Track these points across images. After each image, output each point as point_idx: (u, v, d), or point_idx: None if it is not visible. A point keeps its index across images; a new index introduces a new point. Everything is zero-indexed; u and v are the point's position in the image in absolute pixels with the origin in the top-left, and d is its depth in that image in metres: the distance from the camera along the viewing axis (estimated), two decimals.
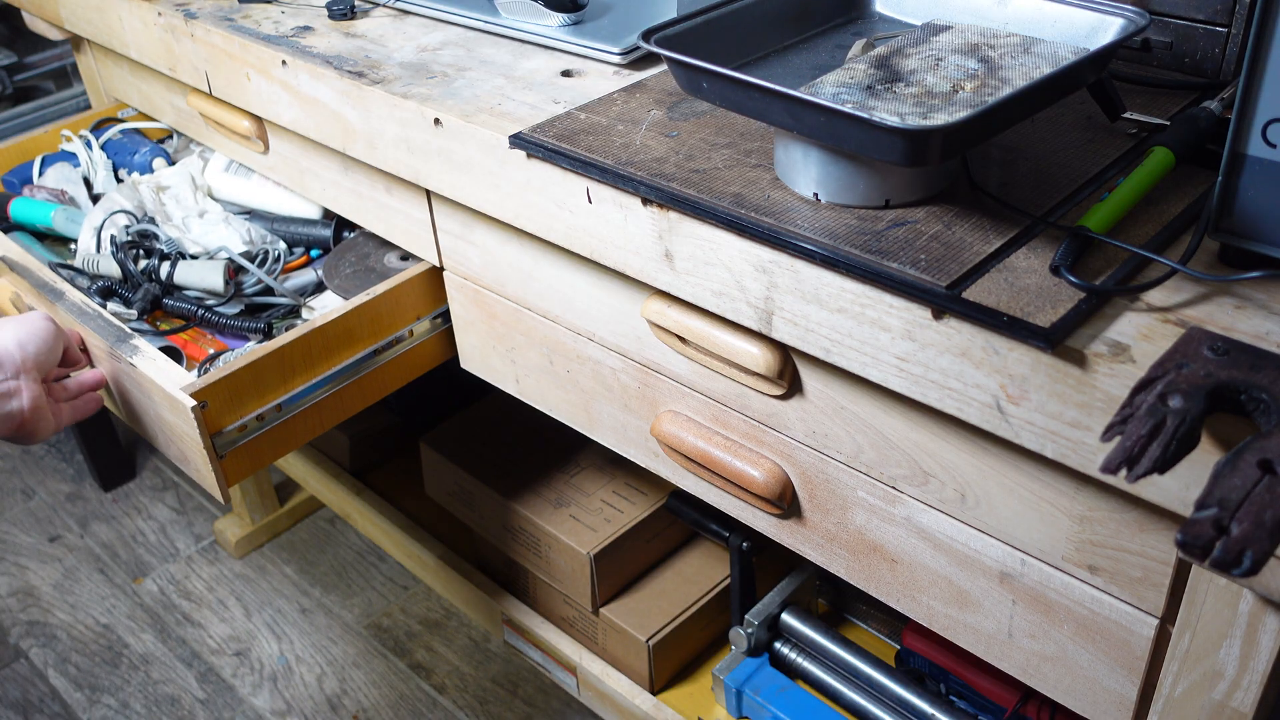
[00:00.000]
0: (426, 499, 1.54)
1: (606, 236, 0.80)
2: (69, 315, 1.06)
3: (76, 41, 1.44)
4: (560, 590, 1.31)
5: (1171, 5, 0.83)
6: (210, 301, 1.17)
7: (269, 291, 1.19)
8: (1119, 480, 0.54)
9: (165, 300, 1.16)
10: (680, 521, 1.30)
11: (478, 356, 1.07)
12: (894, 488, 0.75)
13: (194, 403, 0.92)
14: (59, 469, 2.04)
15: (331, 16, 1.08)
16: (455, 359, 1.12)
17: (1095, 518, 0.65)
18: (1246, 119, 0.59)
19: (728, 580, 1.29)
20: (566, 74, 0.94)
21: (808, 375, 0.76)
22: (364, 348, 1.05)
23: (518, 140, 0.82)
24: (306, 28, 1.07)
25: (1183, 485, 0.58)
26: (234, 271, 1.19)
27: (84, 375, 1.03)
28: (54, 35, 1.46)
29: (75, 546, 1.87)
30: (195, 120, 1.26)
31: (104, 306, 1.13)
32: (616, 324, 0.89)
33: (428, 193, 1.00)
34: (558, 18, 0.99)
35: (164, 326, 1.17)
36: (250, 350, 1.00)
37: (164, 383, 0.94)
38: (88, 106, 1.79)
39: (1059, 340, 0.59)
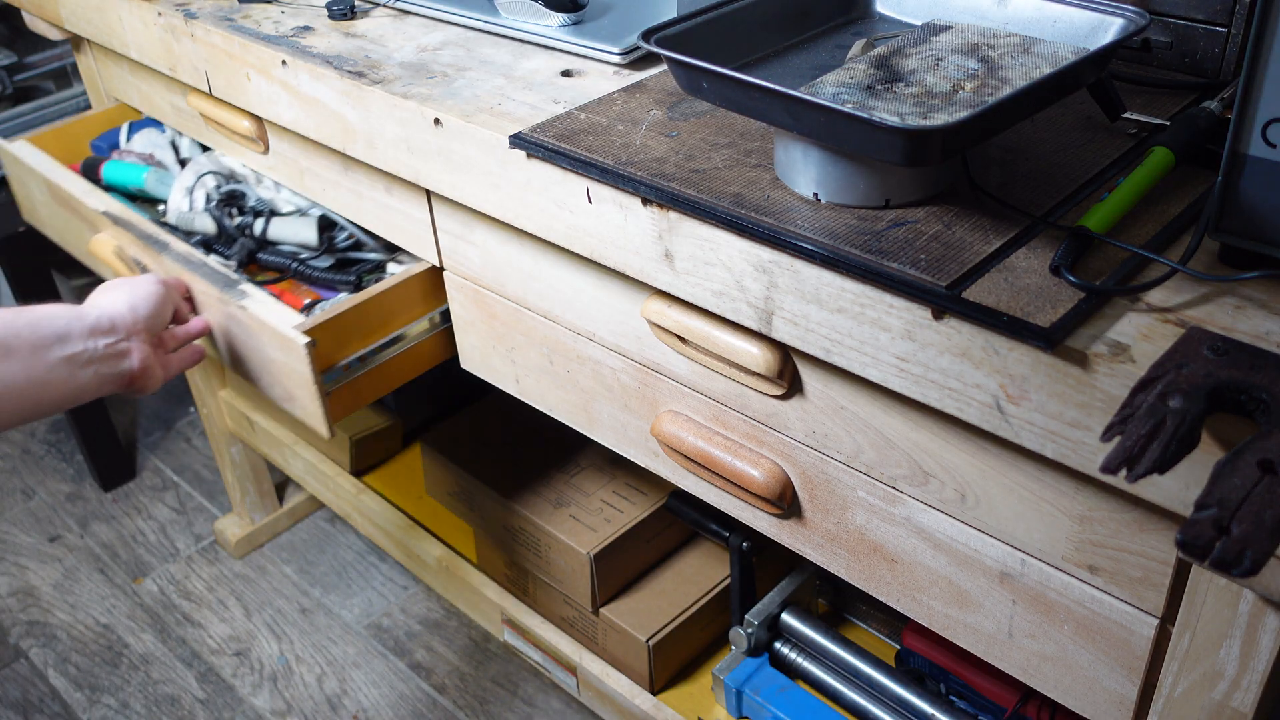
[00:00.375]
0: (426, 499, 1.54)
1: (606, 236, 0.80)
2: (176, 264, 1.11)
3: (76, 41, 1.44)
4: (560, 590, 1.31)
5: (1171, 5, 0.83)
6: (304, 255, 1.21)
7: (358, 246, 1.23)
8: (1119, 480, 0.54)
9: (260, 254, 1.22)
10: (680, 521, 1.30)
11: (478, 356, 1.07)
12: (894, 488, 0.75)
13: (306, 339, 0.98)
14: (59, 469, 2.04)
15: (331, 16, 1.08)
16: (456, 358, 1.12)
17: (1095, 518, 0.65)
18: (1246, 119, 0.59)
19: (728, 580, 1.29)
20: (566, 74, 0.94)
21: (808, 375, 0.76)
22: (445, 302, 1.10)
23: (518, 140, 0.82)
24: (306, 28, 1.07)
25: (1183, 485, 0.58)
26: (325, 228, 1.23)
27: (191, 324, 1.08)
28: (54, 35, 1.46)
29: (75, 546, 1.87)
30: (195, 120, 1.26)
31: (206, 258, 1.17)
32: (616, 324, 0.89)
33: (428, 193, 1.00)
34: (558, 18, 0.99)
35: (260, 279, 1.22)
36: (350, 298, 1.06)
37: (276, 323, 1.00)
38: (88, 106, 1.79)
39: (1059, 340, 0.59)
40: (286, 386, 1.04)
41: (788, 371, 0.77)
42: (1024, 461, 0.67)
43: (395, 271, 1.15)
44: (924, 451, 0.72)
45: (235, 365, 1.10)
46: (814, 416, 0.78)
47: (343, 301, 1.05)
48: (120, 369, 0.94)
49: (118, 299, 0.97)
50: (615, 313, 0.88)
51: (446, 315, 1.10)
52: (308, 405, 1.02)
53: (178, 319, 1.07)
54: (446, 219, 0.99)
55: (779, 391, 0.78)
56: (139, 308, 0.97)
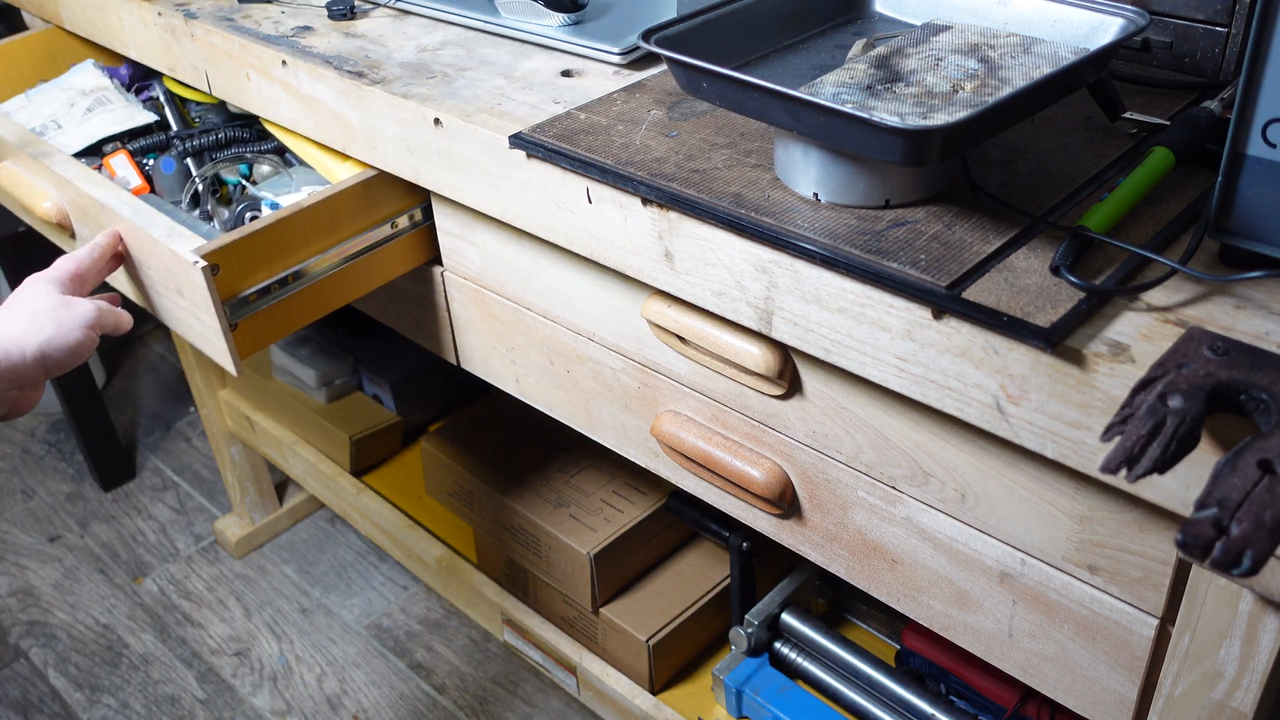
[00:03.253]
0: (426, 499, 1.54)
1: (606, 236, 0.80)
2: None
3: None
4: (560, 590, 1.31)
5: (1171, 5, 0.83)
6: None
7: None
8: (1119, 480, 0.54)
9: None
10: (680, 521, 1.30)
11: (478, 356, 1.07)
12: (894, 488, 0.75)
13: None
14: (59, 469, 2.04)
15: (331, 16, 1.08)
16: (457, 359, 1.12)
17: (1095, 518, 0.65)
18: (1246, 119, 0.59)
19: (728, 580, 1.29)
20: (566, 74, 0.94)
21: (808, 375, 0.76)
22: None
23: (518, 140, 0.82)
24: (306, 28, 1.07)
25: (1183, 485, 0.58)
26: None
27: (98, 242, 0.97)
28: None
29: (75, 546, 1.87)
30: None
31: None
32: (616, 324, 0.89)
33: (428, 193, 1.00)
34: (558, 18, 0.99)
35: None
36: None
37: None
38: None
39: (1059, 340, 0.59)
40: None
41: (788, 371, 0.77)
42: (1024, 461, 0.67)
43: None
44: (924, 451, 0.72)
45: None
46: (814, 416, 0.78)
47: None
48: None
49: (24, 335, 0.86)
50: (615, 312, 0.88)
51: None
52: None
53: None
54: (446, 219, 0.99)
55: (779, 391, 0.78)
56: (51, 354, 0.86)
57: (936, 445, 0.71)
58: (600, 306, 0.89)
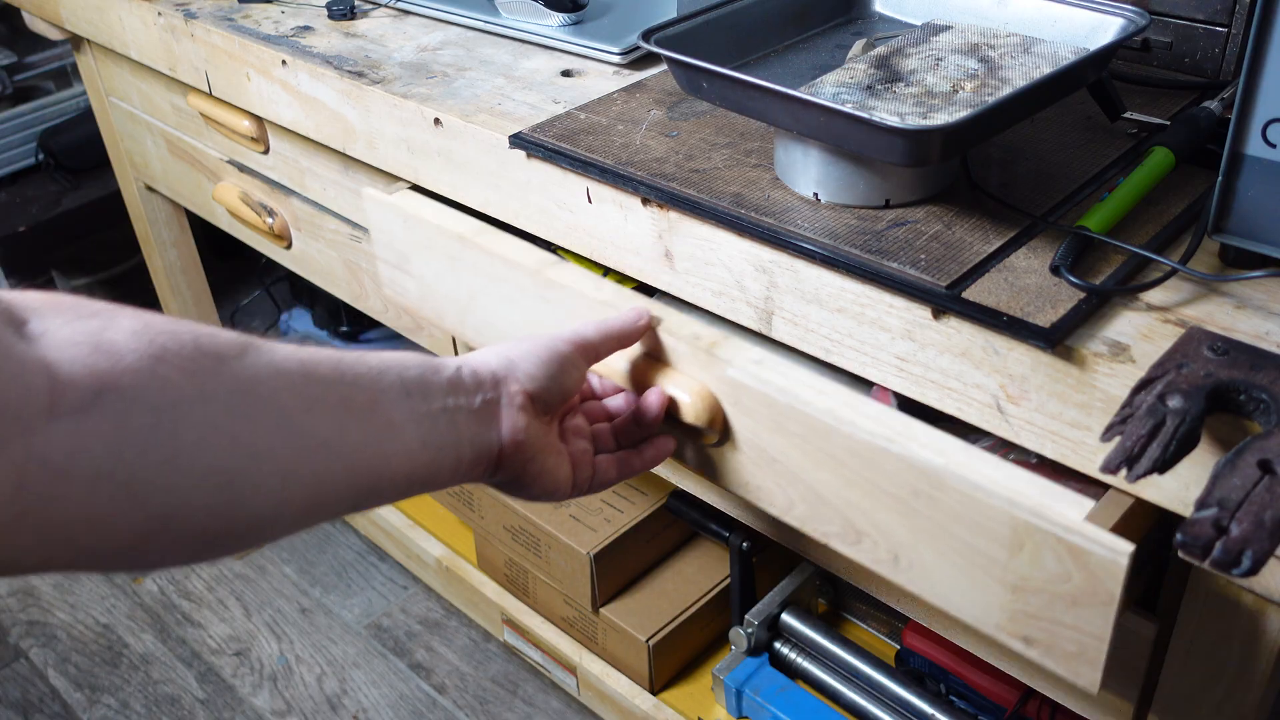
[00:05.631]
0: (426, 499, 1.54)
1: (606, 236, 0.80)
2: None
3: (76, 41, 1.44)
4: (560, 590, 1.31)
5: (1171, 5, 0.83)
6: None
7: None
8: (1119, 480, 0.54)
9: None
10: (680, 521, 1.30)
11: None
12: (829, 546, 0.68)
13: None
14: None
15: (331, 16, 1.08)
16: None
17: (1028, 588, 0.58)
18: (1246, 119, 0.59)
19: (728, 580, 1.29)
20: (566, 74, 0.94)
21: (739, 424, 0.69)
22: None
23: (518, 140, 0.82)
24: (306, 27, 1.07)
25: (1183, 485, 0.58)
26: None
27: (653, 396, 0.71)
28: (54, 35, 1.46)
29: None
30: (195, 120, 1.26)
31: None
32: None
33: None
34: (558, 18, 0.99)
35: None
36: None
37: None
38: (87, 107, 1.79)
39: (1059, 340, 0.59)
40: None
41: (719, 421, 0.69)
42: (957, 525, 0.60)
43: None
44: (857, 510, 0.65)
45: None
46: (746, 468, 0.70)
47: None
48: (483, 438, 0.63)
49: (489, 351, 0.67)
50: None
51: None
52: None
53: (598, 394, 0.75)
54: (384, 248, 0.92)
55: (711, 440, 0.71)
56: (520, 362, 0.66)
57: (870, 504, 0.63)
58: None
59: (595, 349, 0.70)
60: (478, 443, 0.63)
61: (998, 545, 0.58)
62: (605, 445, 0.72)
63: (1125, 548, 0.52)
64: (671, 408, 0.70)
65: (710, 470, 0.74)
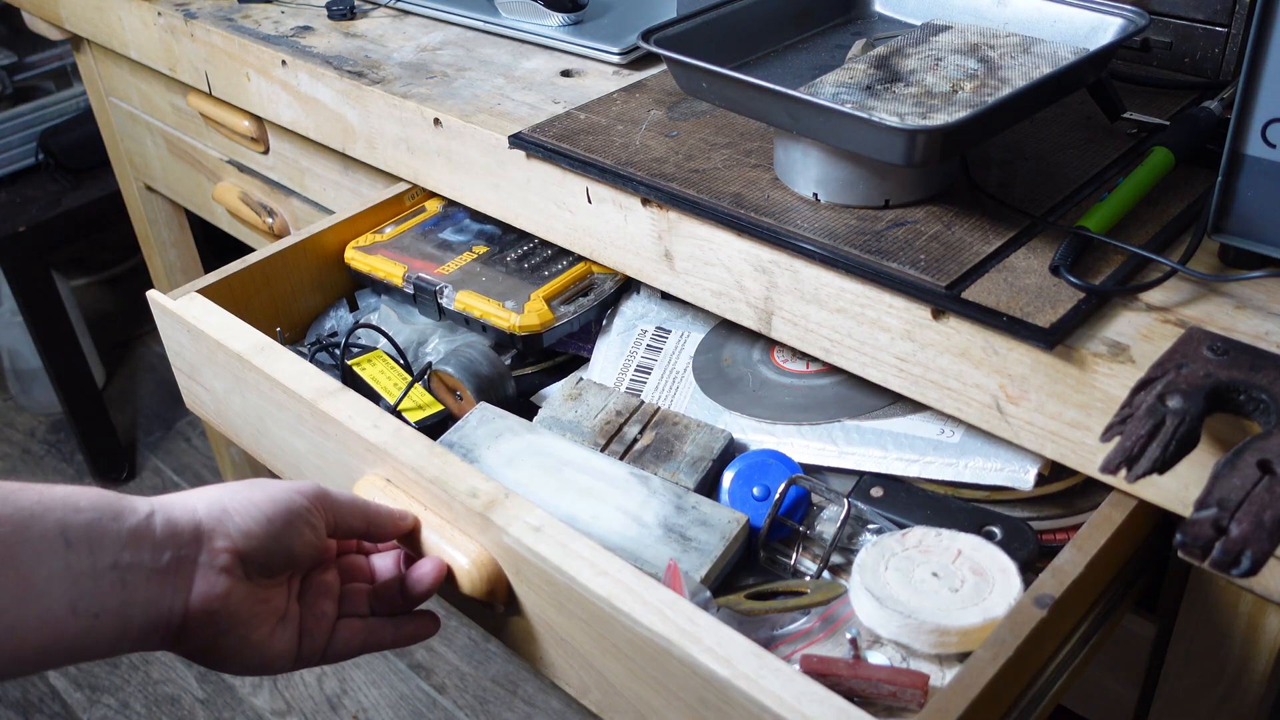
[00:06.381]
0: None
1: (606, 236, 0.80)
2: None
3: (76, 41, 1.44)
4: None
5: (1171, 5, 0.83)
6: None
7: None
8: (1119, 480, 0.54)
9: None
10: None
11: None
12: None
13: None
14: (59, 469, 2.04)
15: (331, 16, 1.08)
16: None
17: None
18: (1246, 119, 0.59)
19: None
20: (566, 74, 0.94)
21: (523, 596, 0.62)
22: None
23: (517, 140, 0.82)
24: (306, 28, 1.07)
25: (1182, 485, 0.58)
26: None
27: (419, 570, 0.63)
28: (54, 35, 1.46)
29: None
30: (195, 120, 1.26)
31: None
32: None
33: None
34: (558, 18, 0.99)
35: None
36: None
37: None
38: (87, 106, 1.79)
39: (1058, 340, 0.59)
40: None
41: (501, 591, 0.63)
42: None
43: None
44: (649, 708, 0.57)
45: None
46: (538, 643, 0.64)
47: None
48: (162, 603, 0.53)
49: (203, 494, 0.57)
50: (338, 483, 0.74)
51: None
52: None
53: (362, 549, 0.66)
54: (176, 356, 0.84)
55: (499, 610, 0.65)
56: (235, 513, 0.56)
57: (660, 704, 0.56)
58: (324, 479, 0.75)
59: (342, 516, 0.61)
60: (152, 610, 0.52)
61: None
62: (356, 608, 0.63)
63: None
64: (450, 571, 0.62)
65: (506, 637, 0.66)
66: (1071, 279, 0.62)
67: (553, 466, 0.73)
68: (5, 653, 0.48)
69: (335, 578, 0.63)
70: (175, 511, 0.55)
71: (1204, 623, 0.64)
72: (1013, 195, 0.71)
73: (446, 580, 0.63)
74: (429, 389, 0.85)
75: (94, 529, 0.51)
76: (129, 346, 2.35)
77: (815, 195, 0.72)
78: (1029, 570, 0.64)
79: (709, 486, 0.74)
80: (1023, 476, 0.68)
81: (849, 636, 0.61)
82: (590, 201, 0.80)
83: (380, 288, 0.93)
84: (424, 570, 0.62)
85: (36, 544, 0.49)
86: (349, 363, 0.85)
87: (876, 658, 0.61)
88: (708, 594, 0.62)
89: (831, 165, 0.70)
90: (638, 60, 0.95)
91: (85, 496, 0.52)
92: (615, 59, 0.94)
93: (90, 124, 1.63)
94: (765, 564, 0.70)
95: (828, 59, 0.83)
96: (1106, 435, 0.54)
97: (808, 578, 0.68)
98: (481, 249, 0.93)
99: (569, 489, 0.71)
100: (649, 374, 0.84)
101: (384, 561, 0.65)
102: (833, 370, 0.78)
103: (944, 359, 0.64)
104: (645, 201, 0.76)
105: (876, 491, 0.71)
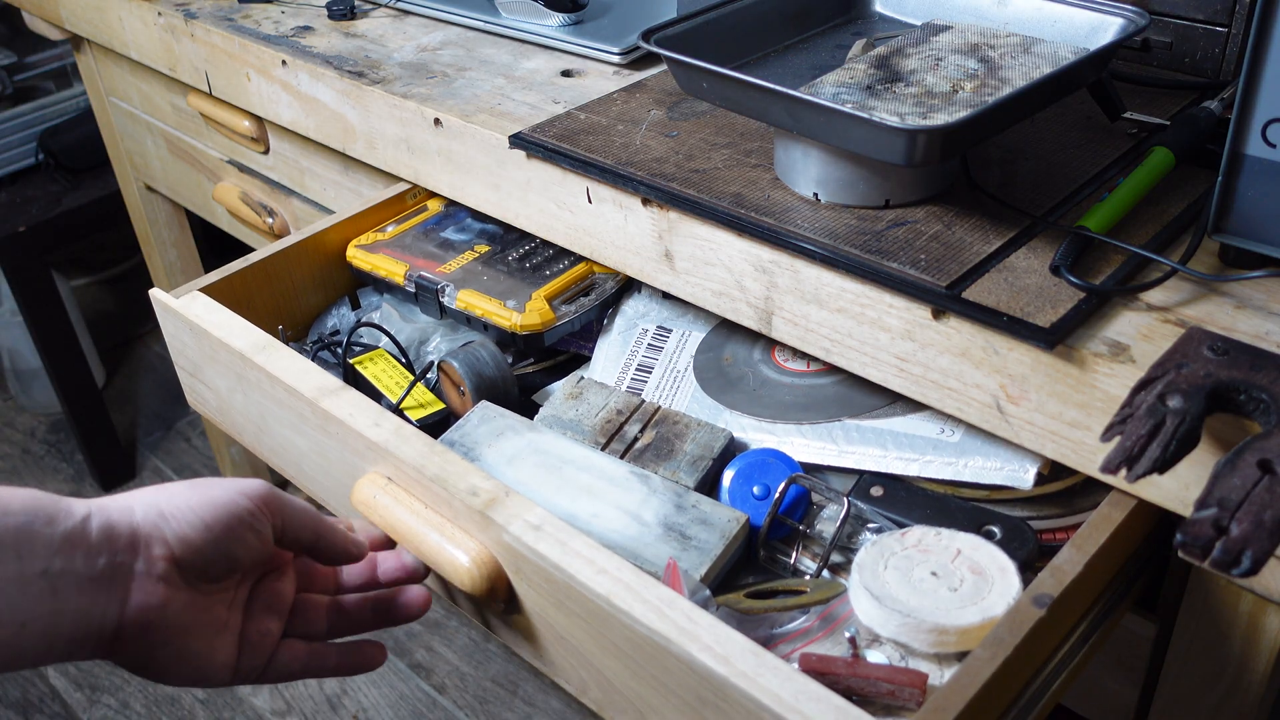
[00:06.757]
0: None
1: (606, 236, 0.80)
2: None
3: (76, 41, 1.44)
4: None
5: (1171, 5, 0.83)
6: None
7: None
8: (1119, 480, 0.54)
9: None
10: None
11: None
12: None
13: None
14: (59, 469, 2.04)
15: (331, 16, 1.08)
16: None
17: None
18: (1246, 119, 0.59)
19: None
20: (566, 74, 0.94)
21: (523, 594, 0.62)
22: None
23: (518, 140, 0.82)
24: (306, 27, 1.07)
25: (1182, 485, 0.58)
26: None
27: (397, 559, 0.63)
28: (54, 35, 1.46)
29: None
30: (195, 120, 1.26)
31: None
32: (339, 499, 0.77)
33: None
34: (558, 18, 0.99)
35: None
36: None
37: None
38: (87, 106, 1.79)
39: (1058, 340, 0.59)
40: None
41: (501, 590, 0.63)
42: None
43: None
44: (648, 706, 0.58)
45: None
46: (538, 641, 0.64)
47: None
48: (94, 613, 0.51)
49: (141, 496, 0.55)
50: (336, 485, 0.76)
51: None
52: None
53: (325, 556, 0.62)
54: (180, 355, 0.84)
55: (498, 609, 0.65)
56: (172, 517, 0.54)
57: (659, 702, 0.57)
58: (326, 477, 0.76)
59: (290, 524, 0.58)
60: (84, 619, 0.50)
61: None
62: (309, 625, 0.60)
63: None
64: (447, 570, 0.62)
65: (507, 635, 0.66)
66: (1072, 279, 0.62)
67: (553, 465, 0.73)
68: None
69: (290, 585, 0.60)
70: (113, 515, 0.52)
71: (1204, 622, 0.64)
72: (1013, 195, 0.71)
73: (446, 580, 0.63)
74: (435, 382, 0.85)
75: (24, 533, 0.49)
76: (129, 346, 2.35)
77: (815, 195, 0.72)
78: (1028, 570, 0.64)
79: (709, 485, 0.74)
80: (1022, 476, 0.68)
81: (848, 635, 0.62)
82: (590, 201, 0.80)
83: (382, 286, 0.93)
84: (413, 595, 0.61)
85: None
86: (351, 361, 0.86)
87: (875, 657, 0.61)
88: (707, 592, 0.62)
89: (832, 165, 0.70)
90: (638, 60, 0.95)
91: (18, 499, 0.50)
92: (615, 59, 0.94)
93: (90, 124, 1.63)
94: (765, 563, 0.70)
95: (828, 59, 0.83)
96: (1106, 435, 0.54)
97: (807, 576, 0.68)
98: (483, 248, 0.93)
99: (569, 487, 0.71)
100: (650, 373, 0.84)
101: (354, 572, 0.63)
102: (833, 370, 0.78)
103: (944, 359, 0.64)
104: (645, 201, 0.76)
105: (876, 491, 0.71)
